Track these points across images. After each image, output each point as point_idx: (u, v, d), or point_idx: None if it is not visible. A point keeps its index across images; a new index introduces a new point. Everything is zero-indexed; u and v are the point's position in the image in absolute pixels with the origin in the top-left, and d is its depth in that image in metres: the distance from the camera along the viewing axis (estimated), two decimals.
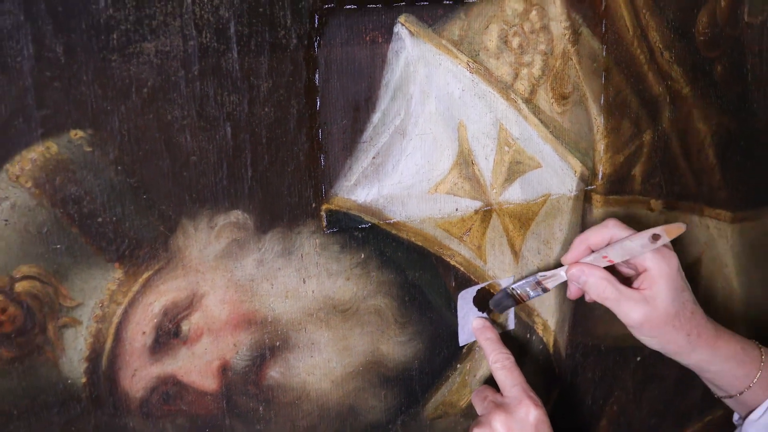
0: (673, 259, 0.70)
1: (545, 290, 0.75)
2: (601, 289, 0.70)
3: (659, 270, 0.69)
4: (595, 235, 0.72)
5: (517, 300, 0.75)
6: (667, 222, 0.86)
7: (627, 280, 0.72)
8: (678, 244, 0.87)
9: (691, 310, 0.71)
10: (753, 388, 0.74)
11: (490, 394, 0.74)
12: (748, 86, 0.86)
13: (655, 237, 0.69)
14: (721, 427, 0.97)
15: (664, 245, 0.70)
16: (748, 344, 0.76)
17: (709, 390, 0.94)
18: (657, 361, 0.90)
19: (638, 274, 0.72)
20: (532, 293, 0.75)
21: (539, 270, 0.78)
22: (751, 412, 0.75)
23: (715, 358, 0.74)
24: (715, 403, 0.96)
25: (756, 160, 0.89)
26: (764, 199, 0.91)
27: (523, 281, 0.75)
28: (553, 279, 0.74)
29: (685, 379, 0.93)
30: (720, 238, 0.90)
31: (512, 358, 0.74)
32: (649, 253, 0.69)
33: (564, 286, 0.77)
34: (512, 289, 0.75)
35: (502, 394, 0.73)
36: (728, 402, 0.79)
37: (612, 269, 0.72)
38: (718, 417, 0.97)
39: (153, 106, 0.60)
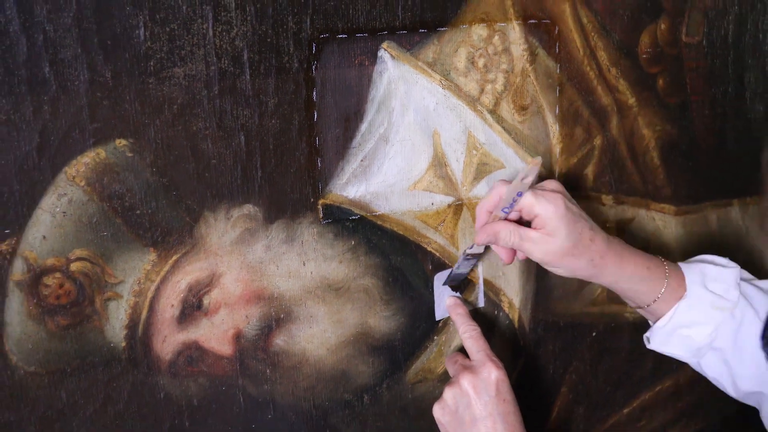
0: (558, 199, 0.79)
1: (474, 258, 0.86)
2: (506, 236, 0.80)
3: (546, 211, 0.78)
4: (488, 200, 0.81)
5: (453, 277, 0.89)
6: (617, 215, 0.99)
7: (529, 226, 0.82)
8: (627, 232, 1.01)
9: (589, 237, 0.80)
10: (658, 301, 0.84)
11: (459, 359, 0.88)
12: (687, 97, 1.00)
13: (524, 178, 0.78)
14: (671, 395, 1.11)
15: (552, 191, 0.79)
16: (654, 262, 0.84)
17: (659, 362, 1.08)
18: (610, 336, 1.03)
19: (534, 220, 0.80)
20: (466, 265, 0.87)
21: None
22: (658, 320, 0.86)
23: (621, 277, 0.83)
24: (664, 374, 1.10)
25: (695, 161, 1.02)
26: (704, 195, 1.05)
27: (458, 260, 0.87)
28: (472, 249, 0.85)
29: (636, 352, 1.06)
30: (665, 229, 1.03)
31: (479, 329, 0.88)
32: (536, 200, 0.77)
33: (521, 267, 0.91)
34: (456, 267, 0.88)
35: (470, 359, 0.87)
36: (640, 311, 0.88)
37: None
38: (667, 387, 1.11)
39: (181, 120, 0.74)
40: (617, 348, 1.05)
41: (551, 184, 0.82)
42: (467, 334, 0.87)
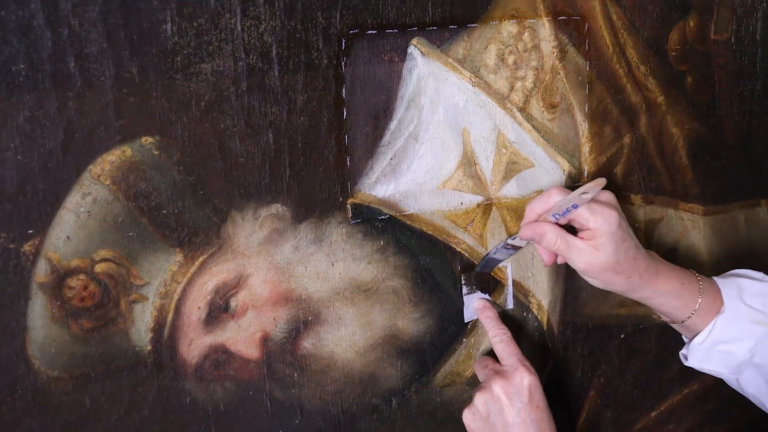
0: (613, 217, 0.79)
1: (514, 250, 0.85)
2: (552, 240, 0.80)
3: (599, 227, 0.78)
4: (540, 204, 0.81)
5: (490, 264, 0.86)
6: (645, 215, 0.98)
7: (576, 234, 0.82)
8: (656, 234, 0.99)
9: (633, 256, 0.80)
10: (693, 317, 0.83)
11: (490, 363, 0.86)
12: (715, 95, 0.98)
13: (584, 194, 0.77)
14: (698, 398, 1.09)
15: (607, 204, 0.79)
16: (688, 277, 0.84)
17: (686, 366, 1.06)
18: (638, 338, 1.01)
19: (584, 230, 0.81)
20: (505, 255, 0.86)
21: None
22: (695, 336, 0.85)
23: (655, 294, 0.83)
24: (691, 377, 1.08)
25: (724, 160, 1.00)
26: (731, 195, 1.03)
27: (494, 248, 0.85)
28: (515, 241, 0.84)
29: (664, 355, 1.04)
30: (693, 229, 1.02)
31: (509, 333, 0.86)
32: (591, 214, 0.78)
33: (550, 269, 0.89)
34: (488, 254, 0.86)
35: (500, 364, 0.85)
36: (675, 326, 0.88)
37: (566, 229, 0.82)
38: (695, 390, 1.09)
39: (209, 116, 0.72)
40: (645, 350, 1.03)
41: (606, 195, 0.81)
42: (498, 338, 0.85)
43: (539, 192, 0.89)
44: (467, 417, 0.83)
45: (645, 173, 0.96)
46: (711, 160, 1.00)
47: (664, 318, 0.89)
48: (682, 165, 0.98)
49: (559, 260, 0.84)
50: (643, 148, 0.95)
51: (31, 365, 0.70)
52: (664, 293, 0.83)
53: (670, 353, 1.05)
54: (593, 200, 0.79)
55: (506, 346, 0.85)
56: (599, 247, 0.79)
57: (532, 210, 0.82)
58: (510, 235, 0.86)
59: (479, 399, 0.82)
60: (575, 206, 0.78)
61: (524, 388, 0.81)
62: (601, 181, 0.77)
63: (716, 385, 1.09)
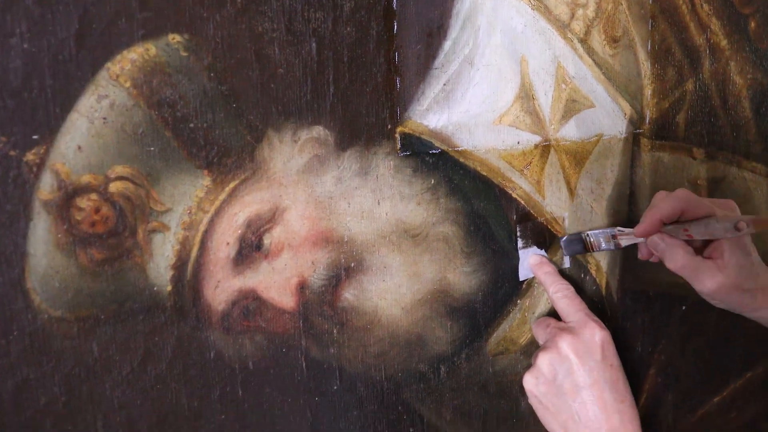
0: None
1: (617, 247, 0.76)
2: (679, 262, 0.72)
3: (730, 242, 0.71)
4: (667, 208, 0.73)
5: (586, 247, 0.77)
6: (708, 172, 0.89)
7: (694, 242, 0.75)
8: (719, 195, 0.90)
9: (757, 272, 0.73)
10: None
11: (552, 322, 0.75)
12: None
13: (741, 224, 0.70)
14: (762, 384, 0.99)
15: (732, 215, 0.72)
16: None
17: (750, 345, 0.96)
18: (699, 311, 0.91)
19: (709, 241, 0.74)
20: (604, 245, 0.77)
21: (612, 225, 0.80)
22: None
23: None
24: (755, 360, 0.98)
25: None
26: None
27: (600, 231, 0.77)
28: (627, 238, 0.76)
29: (725, 332, 0.94)
30: (756, 191, 0.93)
31: (572, 288, 0.76)
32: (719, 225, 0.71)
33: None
34: (587, 234, 0.77)
35: (564, 322, 0.75)
36: None
37: None
38: (759, 374, 0.99)
39: (245, 17, 0.62)
40: (706, 326, 0.93)
41: (726, 202, 0.74)
42: (560, 293, 0.75)
43: (599, 136, 0.80)
44: (529, 381, 0.72)
45: (708, 125, 0.88)
46: None
47: None
48: (745, 118, 0.90)
49: (654, 258, 0.76)
50: (706, 96, 0.87)
51: (30, 301, 0.58)
52: None
53: (733, 331, 0.95)
54: (717, 207, 0.72)
55: (570, 301, 0.75)
56: (727, 265, 0.71)
57: (657, 215, 0.73)
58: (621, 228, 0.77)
59: (543, 359, 0.71)
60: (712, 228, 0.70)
61: (596, 345, 0.71)
62: (765, 223, 0.70)
63: None
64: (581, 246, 0.77)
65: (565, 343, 0.71)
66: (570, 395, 0.70)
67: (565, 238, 0.78)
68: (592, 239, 0.77)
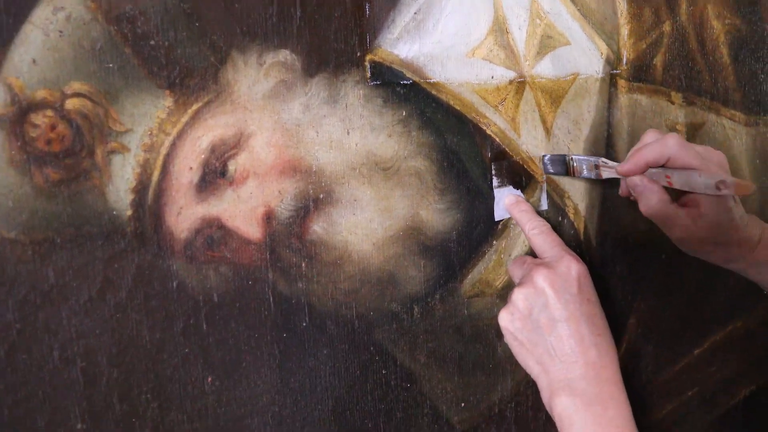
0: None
1: (598, 177, 0.75)
2: (652, 208, 0.70)
3: (709, 197, 0.69)
4: (654, 153, 0.70)
5: (568, 171, 0.75)
6: (687, 117, 0.87)
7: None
8: (698, 141, 0.89)
9: (736, 227, 0.71)
10: None
11: (528, 260, 0.74)
12: None
13: (722, 184, 0.67)
14: (743, 338, 0.97)
15: (718, 166, 0.70)
16: None
17: (732, 297, 0.95)
18: (680, 261, 0.90)
19: (687, 194, 0.71)
20: (585, 172, 0.75)
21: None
22: None
23: (752, 266, 0.74)
24: (736, 313, 0.97)
25: (765, 64, 0.91)
26: None
27: (585, 157, 0.75)
28: (609, 171, 0.74)
29: (707, 284, 0.93)
30: (735, 139, 0.92)
31: (549, 225, 0.74)
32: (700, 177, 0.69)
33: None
34: (571, 158, 0.75)
35: (541, 259, 0.73)
36: None
37: None
38: (739, 328, 0.97)
39: None
40: (688, 276, 0.91)
41: (717, 156, 0.71)
42: (536, 230, 0.74)
43: (575, 75, 0.78)
44: (504, 318, 0.70)
45: (686, 69, 0.86)
46: (753, 63, 0.91)
47: (765, 288, 0.79)
48: (723, 64, 0.89)
49: (633, 198, 0.74)
50: (684, 39, 0.85)
51: None
52: (761, 262, 0.74)
53: (714, 282, 0.94)
54: (704, 160, 0.69)
55: (547, 236, 0.73)
56: (703, 217, 0.69)
57: (643, 157, 0.70)
58: (606, 160, 0.75)
59: (519, 294, 0.70)
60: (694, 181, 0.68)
61: (572, 278, 0.69)
62: (751, 187, 0.67)
63: (763, 324, 0.98)
64: (563, 168, 0.75)
65: (540, 277, 0.69)
66: (546, 329, 0.68)
67: (548, 156, 0.76)
68: (575, 164, 0.75)
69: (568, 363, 0.67)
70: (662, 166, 0.70)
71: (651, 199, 0.70)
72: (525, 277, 0.71)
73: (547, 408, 0.68)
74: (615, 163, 0.73)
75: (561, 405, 0.65)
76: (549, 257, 0.71)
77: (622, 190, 0.76)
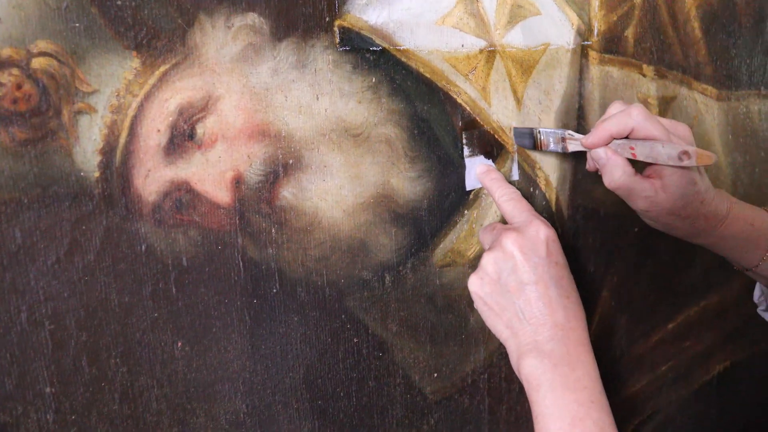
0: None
1: (564, 150, 0.75)
2: (615, 182, 0.70)
3: (672, 169, 0.69)
4: (618, 124, 0.70)
5: (536, 144, 0.76)
6: (658, 90, 0.88)
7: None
8: (669, 115, 0.90)
9: (701, 200, 0.71)
10: (766, 261, 0.75)
11: (498, 226, 0.74)
12: None
13: (684, 155, 0.67)
14: (717, 314, 0.98)
15: (682, 141, 0.70)
16: (760, 218, 0.76)
17: (705, 272, 0.96)
18: (654, 234, 0.90)
19: (652, 166, 0.71)
20: (552, 145, 0.75)
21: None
22: None
23: (719, 240, 0.75)
24: (710, 288, 0.98)
25: (737, 39, 0.92)
26: (746, 83, 0.95)
27: (551, 131, 0.75)
28: (575, 144, 0.74)
29: (681, 258, 0.94)
30: (707, 113, 0.93)
31: (519, 192, 0.75)
32: (664, 148, 0.68)
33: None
34: (539, 131, 0.75)
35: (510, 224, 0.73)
36: (749, 274, 0.79)
37: None
38: (713, 303, 0.98)
39: None
40: (661, 249, 0.92)
41: (682, 129, 0.71)
42: (506, 196, 0.74)
43: (546, 45, 0.79)
44: (474, 283, 0.71)
45: (658, 42, 0.87)
46: (725, 38, 0.92)
47: (733, 264, 0.79)
48: (695, 38, 0.90)
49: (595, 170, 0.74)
50: (655, 11, 0.86)
51: None
52: (728, 237, 0.74)
53: (688, 257, 0.95)
54: (668, 132, 0.69)
55: (516, 203, 0.73)
56: (666, 188, 0.69)
57: (607, 129, 0.70)
58: (572, 133, 0.75)
59: (488, 259, 0.70)
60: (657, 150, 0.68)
61: (540, 242, 0.69)
62: (712, 157, 0.67)
63: (736, 301, 0.99)
64: (531, 141, 0.76)
65: (509, 241, 0.69)
66: (514, 293, 0.68)
67: (516, 129, 0.77)
68: (542, 137, 0.75)
69: (537, 325, 0.67)
70: (626, 138, 0.70)
71: (614, 173, 0.69)
72: (494, 241, 0.71)
73: (516, 371, 0.68)
74: (581, 136, 0.73)
75: (529, 366, 0.66)
76: (518, 222, 0.72)
77: (588, 165, 0.76)
